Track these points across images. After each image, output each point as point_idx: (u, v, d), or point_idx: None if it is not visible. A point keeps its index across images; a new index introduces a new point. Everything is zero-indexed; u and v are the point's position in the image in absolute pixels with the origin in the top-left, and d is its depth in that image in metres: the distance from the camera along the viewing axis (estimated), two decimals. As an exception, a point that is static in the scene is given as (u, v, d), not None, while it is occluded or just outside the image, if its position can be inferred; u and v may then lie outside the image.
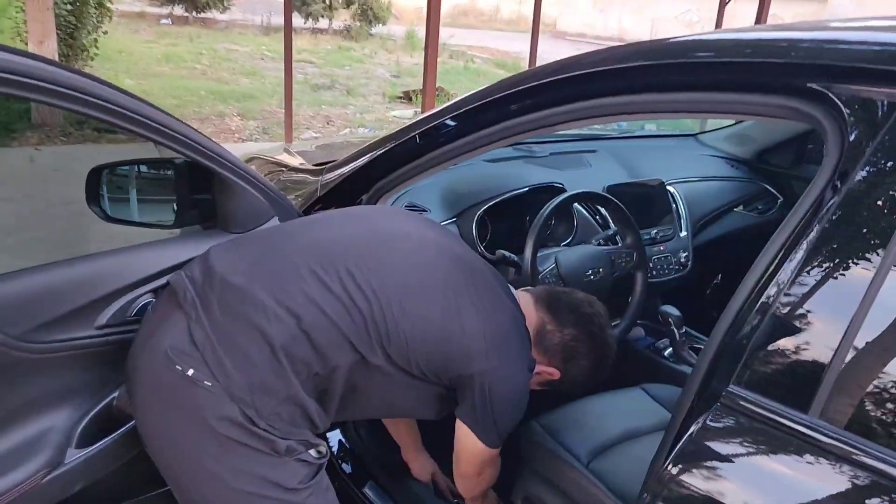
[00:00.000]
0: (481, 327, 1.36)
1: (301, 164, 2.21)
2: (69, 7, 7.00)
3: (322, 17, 16.27)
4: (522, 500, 1.72)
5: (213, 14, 15.84)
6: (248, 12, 17.00)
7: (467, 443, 1.44)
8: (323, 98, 9.77)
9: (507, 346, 1.39)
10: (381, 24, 16.83)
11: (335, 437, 1.94)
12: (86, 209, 1.57)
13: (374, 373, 1.32)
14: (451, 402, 1.43)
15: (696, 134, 3.01)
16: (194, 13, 15.51)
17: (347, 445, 1.94)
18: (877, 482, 0.79)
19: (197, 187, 1.58)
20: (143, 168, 1.81)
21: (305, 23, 15.94)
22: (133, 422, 1.34)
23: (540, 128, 1.47)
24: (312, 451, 1.29)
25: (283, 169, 2.16)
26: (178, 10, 15.59)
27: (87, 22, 7.39)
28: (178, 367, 1.21)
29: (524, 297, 1.53)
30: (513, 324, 1.43)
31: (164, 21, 15.22)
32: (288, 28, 6.31)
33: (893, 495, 0.78)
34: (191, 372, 1.20)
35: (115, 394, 1.39)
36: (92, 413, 1.36)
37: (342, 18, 16.87)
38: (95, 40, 7.74)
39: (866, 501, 0.80)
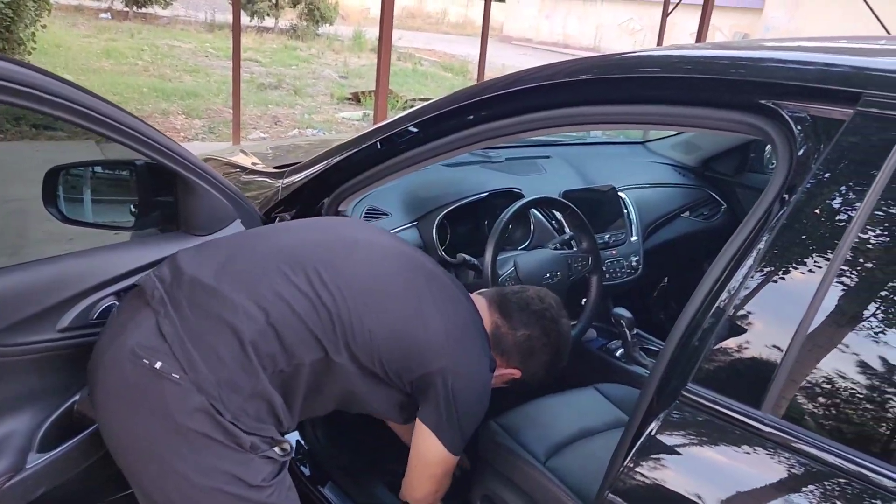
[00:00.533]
0: (442, 326, 1.40)
1: (254, 163, 2.20)
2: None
3: (268, 15, 16.07)
4: (482, 498, 1.76)
5: (154, 10, 15.48)
6: (191, 9, 16.67)
7: (428, 450, 1.44)
8: (270, 98, 9.66)
9: (467, 344, 1.44)
10: (327, 24, 16.70)
11: (293, 437, 1.94)
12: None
13: (337, 373, 1.35)
14: (414, 409, 1.46)
15: (645, 142, 3.11)
16: (135, 8, 15.12)
17: (306, 447, 1.95)
18: (823, 472, 0.85)
19: (158, 189, 1.57)
20: (100, 169, 1.79)
21: (251, 21, 15.71)
22: (95, 425, 1.33)
23: (499, 136, 1.52)
24: (277, 449, 1.30)
25: (239, 170, 2.15)
26: (118, 5, 15.19)
27: (25, 15, 7.13)
28: (145, 360, 1.22)
29: (479, 301, 1.57)
30: (472, 324, 1.48)
31: (103, 16, 14.80)
32: (236, 25, 6.23)
33: (839, 483, 0.84)
34: (158, 364, 1.21)
35: (77, 397, 1.38)
36: (53, 417, 1.34)
37: (288, 17, 16.69)
38: (33, 34, 7.48)
39: (815, 490, 0.86)
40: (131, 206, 1.66)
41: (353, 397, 1.43)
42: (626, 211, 2.49)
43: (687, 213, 2.78)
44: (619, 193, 2.50)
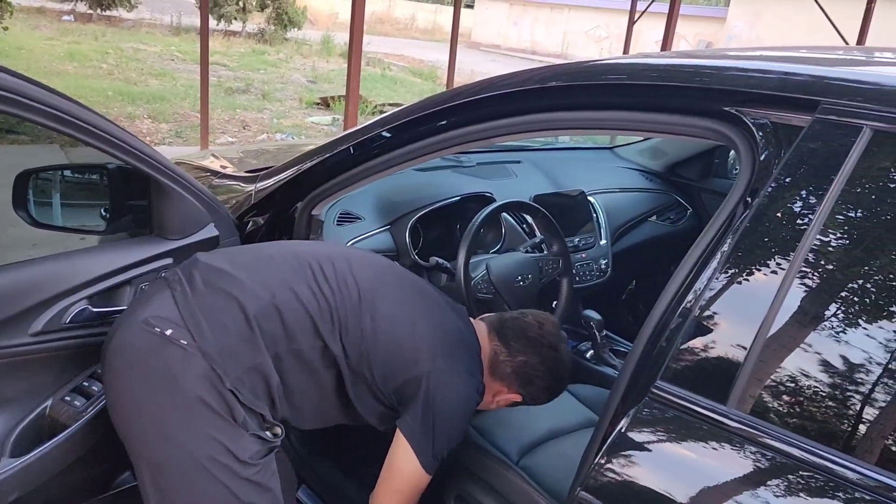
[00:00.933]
0: (432, 334, 1.45)
1: (223, 166, 2.20)
2: (-34, 0, 6.63)
3: (235, 19, 15.96)
4: (455, 498, 1.77)
5: (118, 12, 15.31)
6: (157, 11, 16.51)
7: (401, 463, 1.44)
8: (238, 102, 9.59)
9: (455, 357, 1.46)
10: (296, 29, 16.65)
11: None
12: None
13: (331, 370, 1.40)
14: (395, 419, 1.47)
15: (613, 147, 3.16)
16: (99, 10, 14.93)
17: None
18: (785, 463, 0.89)
19: (131, 193, 1.56)
20: (70, 173, 1.78)
21: (218, 25, 15.59)
22: (69, 430, 1.32)
23: (471, 142, 1.55)
24: (268, 432, 1.34)
25: (211, 174, 2.14)
26: (82, 7, 14.97)
27: (-14, 16, 7.01)
28: (156, 328, 1.28)
29: (479, 327, 1.59)
30: (464, 344, 1.50)
31: (66, 18, 14.58)
32: (204, 29, 6.18)
33: (800, 474, 0.88)
34: (169, 332, 1.28)
35: (49, 402, 1.37)
36: (26, 421, 1.33)
37: (256, 21, 16.60)
38: (-6, 36, 7.36)
39: (780, 482, 0.89)
40: (102, 210, 1.65)
41: (347, 403, 1.46)
42: (594, 215, 2.53)
43: (654, 217, 2.83)
44: (588, 198, 2.55)
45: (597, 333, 2.09)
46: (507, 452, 1.67)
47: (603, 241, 2.50)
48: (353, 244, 1.94)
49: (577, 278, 2.33)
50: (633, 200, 2.80)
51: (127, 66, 10.76)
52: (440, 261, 1.91)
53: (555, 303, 2.11)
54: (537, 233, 2.17)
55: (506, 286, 1.94)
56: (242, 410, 1.29)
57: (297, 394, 1.41)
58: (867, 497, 0.83)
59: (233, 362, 1.29)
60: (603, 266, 2.46)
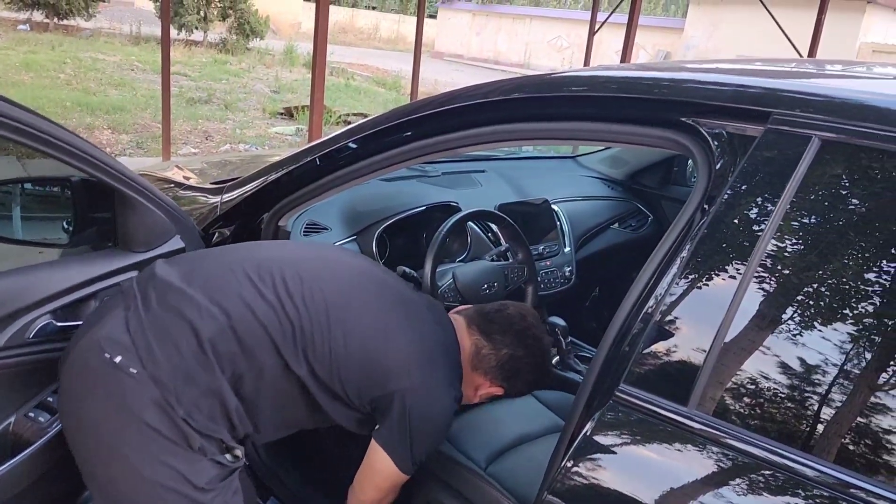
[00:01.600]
0: (406, 349, 1.41)
1: (186, 178, 2.19)
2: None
3: (196, 28, 15.80)
4: (424, 506, 1.78)
5: (76, 21, 15.04)
6: (116, 20, 16.27)
7: (379, 464, 1.44)
8: (200, 112, 9.49)
9: (431, 369, 1.43)
10: (258, 38, 16.53)
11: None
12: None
13: (297, 385, 1.37)
14: (372, 424, 1.46)
15: (575, 156, 3.21)
16: (56, 19, 14.65)
17: (247, 463, 1.94)
18: (746, 462, 0.92)
19: (94, 205, 1.55)
20: (31, 186, 1.76)
21: (179, 34, 15.41)
22: (33, 446, 1.30)
23: (436, 152, 1.57)
24: (228, 455, 1.32)
25: (174, 186, 2.13)
26: (38, 16, 14.67)
27: (-63, 25, 6.84)
28: (106, 354, 1.25)
29: (458, 321, 1.57)
30: (441, 351, 1.47)
31: (21, 27, 14.28)
32: (166, 37, 6.12)
33: (761, 473, 0.91)
34: (118, 359, 1.24)
35: (12, 418, 1.35)
36: None
37: (217, 31, 16.45)
38: (-54, 45, 7.18)
39: (739, 479, 0.93)
40: (64, 223, 1.64)
41: (318, 410, 1.42)
42: (558, 223, 2.57)
43: (616, 225, 2.88)
44: (552, 206, 2.58)
45: (562, 340, 2.11)
46: (475, 459, 1.68)
47: (567, 249, 2.54)
48: None
49: (542, 285, 2.36)
50: (595, 208, 2.85)
51: (85, 76, 10.57)
52: (407, 270, 1.92)
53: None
54: (503, 241, 2.20)
55: (472, 294, 1.96)
56: (199, 437, 1.26)
57: (260, 409, 1.37)
58: (826, 494, 0.86)
59: (187, 388, 1.26)
60: (567, 273, 2.50)
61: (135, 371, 1.24)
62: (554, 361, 2.31)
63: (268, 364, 1.33)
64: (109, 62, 12.03)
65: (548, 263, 2.43)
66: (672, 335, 1.04)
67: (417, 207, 2.16)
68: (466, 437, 1.76)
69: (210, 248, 1.62)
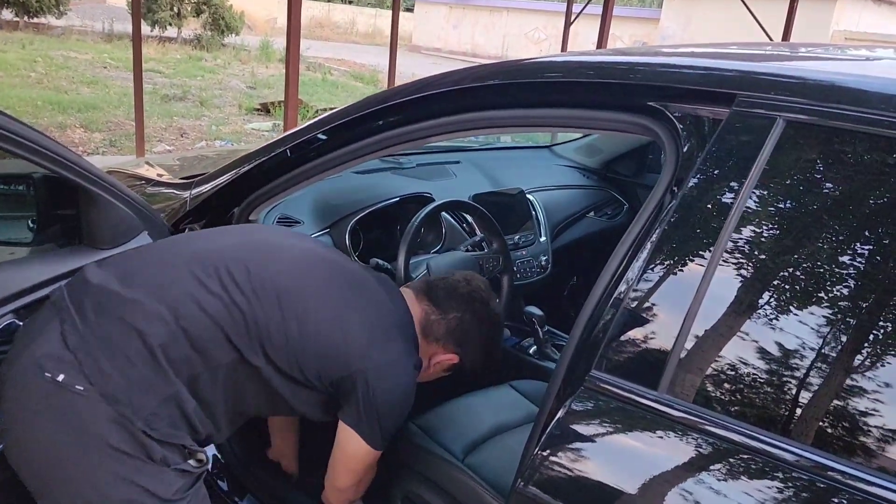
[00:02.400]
0: (363, 329, 1.39)
1: (159, 174, 2.16)
2: None
3: (170, 25, 15.62)
4: (402, 499, 1.77)
5: (47, 19, 14.81)
6: (87, 18, 16.06)
7: (349, 446, 1.44)
8: (174, 109, 9.38)
9: (390, 346, 1.42)
10: (233, 35, 16.38)
11: (209, 452, 1.91)
12: None
13: (256, 376, 1.34)
14: (336, 406, 1.45)
15: (550, 146, 3.21)
16: (26, 17, 14.42)
17: (222, 460, 1.92)
18: (715, 445, 0.92)
19: (59, 202, 1.52)
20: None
21: (152, 31, 15.24)
22: None
23: (407, 142, 1.55)
24: (192, 461, 1.29)
25: (145, 182, 2.10)
26: (7, 15, 14.44)
27: None
28: (47, 374, 1.18)
29: (408, 294, 1.56)
30: (396, 325, 1.46)
31: (-10, 25, 14.05)
32: (137, 34, 6.04)
33: (731, 458, 0.91)
34: (61, 378, 1.18)
35: None
36: None
37: (192, 27, 16.28)
38: (-87, 45, 7.04)
39: (707, 463, 0.93)
40: (29, 221, 1.60)
41: (278, 399, 1.40)
42: (534, 212, 2.57)
43: (592, 214, 2.89)
44: (528, 196, 2.58)
45: (539, 329, 2.12)
46: (452, 451, 1.67)
47: (543, 238, 2.54)
48: None
49: (518, 275, 2.36)
50: (571, 197, 2.85)
51: (57, 75, 10.42)
52: (380, 262, 1.91)
53: (497, 300, 2.13)
54: (477, 231, 2.19)
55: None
56: (160, 448, 1.22)
57: (217, 406, 1.33)
58: (804, 477, 0.85)
59: (143, 398, 1.21)
60: (543, 262, 2.50)
61: (81, 388, 1.17)
62: (531, 351, 2.32)
63: (224, 360, 1.30)
64: (81, 60, 11.87)
65: (524, 253, 2.43)
66: (642, 320, 1.04)
67: (391, 199, 2.15)
68: (443, 429, 1.75)
69: (145, 245, 1.53)
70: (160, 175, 2.16)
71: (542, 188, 2.73)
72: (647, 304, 1.04)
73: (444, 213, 2.22)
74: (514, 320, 2.35)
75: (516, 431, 1.75)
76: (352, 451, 1.45)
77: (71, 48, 12.80)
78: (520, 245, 2.44)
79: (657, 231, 1.06)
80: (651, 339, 1.03)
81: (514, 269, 2.28)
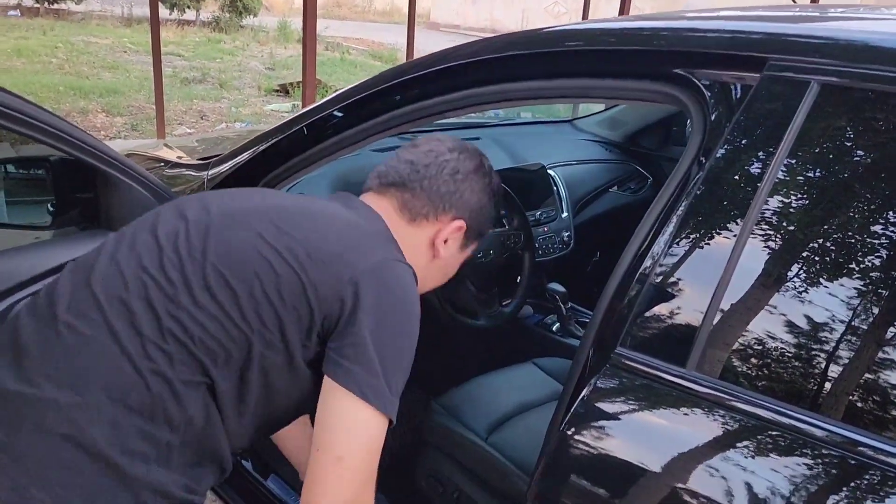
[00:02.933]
0: (336, 264, 1.07)
1: (178, 157, 2.15)
2: None
3: (188, 7, 15.61)
4: (426, 479, 1.77)
5: (67, 5, 14.87)
6: (107, 3, 16.09)
7: (349, 418, 1.02)
8: (194, 92, 9.40)
9: (371, 257, 1.10)
10: (251, 16, 16.33)
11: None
12: None
13: (227, 395, 1.07)
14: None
15: (572, 120, 3.16)
16: (46, 4, 14.49)
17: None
18: (743, 421, 0.89)
19: (77, 186, 1.51)
20: (13, 168, 1.73)
21: (171, 14, 15.24)
22: None
23: (424, 117, 1.52)
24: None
25: (163, 164, 2.09)
26: (28, 2, 14.54)
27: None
28: None
29: (368, 198, 1.28)
30: (368, 235, 1.16)
31: (11, 13, 14.14)
32: (155, 18, 6.03)
33: (760, 435, 0.88)
34: None
35: None
36: None
37: (210, 9, 16.26)
38: (-65, 34, 7.11)
39: (735, 440, 0.90)
40: (49, 205, 1.61)
41: (276, 398, 1.11)
42: (555, 188, 2.53)
43: (615, 188, 2.84)
44: (549, 171, 2.54)
45: (562, 306, 2.09)
46: (476, 430, 1.67)
47: (564, 214, 2.50)
48: None
49: (540, 252, 2.32)
50: (593, 172, 2.80)
51: (78, 60, 10.48)
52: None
53: (519, 277, 2.10)
54: (498, 208, 2.15)
55: (467, 262, 1.92)
56: None
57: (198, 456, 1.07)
58: (834, 453, 0.82)
59: None
60: (565, 238, 2.46)
61: None
62: (554, 328, 2.30)
63: (195, 410, 1.03)
64: (102, 45, 11.92)
65: (545, 229, 2.39)
66: (668, 295, 1.01)
67: (409, 176, 2.11)
68: (467, 408, 1.74)
69: (24, 307, 1.11)
70: (179, 157, 2.15)
71: (564, 163, 2.69)
72: (673, 279, 1.01)
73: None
74: (538, 297, 2.33)
75: (540, 409, 1.74)
76: (350, 420, 1.03)
77: (91, 33, 12.86)
78: (541, 221, 2.40)
79: (684, 203, 1.02)
80: (678, 314, 0.99)
81: (536, 245, 2.25)
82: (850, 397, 0.85)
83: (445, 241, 1.29)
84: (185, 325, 1.01)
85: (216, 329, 1.03)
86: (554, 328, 2.29)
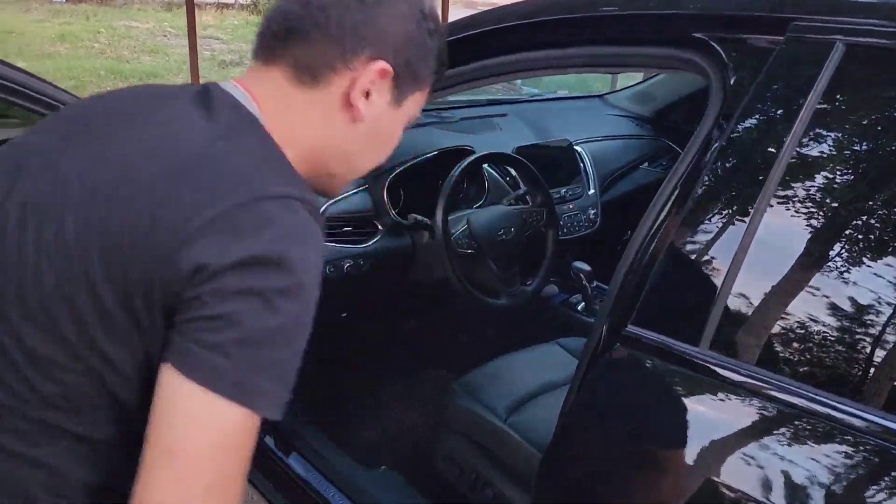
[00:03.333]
0: (189, 208, 0.72)
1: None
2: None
3: (227, -10, 15.72)
4: (444, 459, 1.75)
5: (109, -10, 15.09)
6: (148, -12, 16.29)
7: (187, 416, 0.71)
8: (232, 75, 9.43)
9: (211, 183, 0.74)
10: (289, -3, 16.39)
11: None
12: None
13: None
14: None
15: (602, 95, 3.08)
16: (89, -11, 14.72)
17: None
18: (759, 403, 0.84)
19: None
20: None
21: (210, -3, 15.37)
22: None
23: (439, 89, 1.48)
24: None
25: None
26: (72, -13, 14.78)
27: (-29, 1, 6.92)
28: None
29: (251, 78, 0.93)
30: (208, 149, 0.78)
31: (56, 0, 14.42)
32: (191, 2, 6.07)
33: (773, 415, 0.83)
34: None
35: None
36: None
37: (248, -8, 16.36)
38: (-19, 21, 7.28)
39: (750, 421, 0.85)
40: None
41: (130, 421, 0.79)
42: (581, 164, 2.47)
43: (646, 164, 2.76)
44: (576, 147, 2.48)
45: (587, 285, 2.04)
46: (495, 410, 1.64)
47: (591, 191, 2.44)
48: (329, 206, 1.87)
49: (565, 229, 2.28)
50: (622, 148, 2.73)
51: (119, 44, 10.65)
52: (419, 217, 1.86)
53: (542, 256, 2.06)
54: (521, 185, 2.11)
55: (487, 240, 1.89)
56: None
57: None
58: (847, 436, 0.78)
59: None
60: (592, 216, 2.40)
61: None
62: (580, 307, 2.25)
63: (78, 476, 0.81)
64: (142, 29, 12.08)
65: (570, 207, 2.34)
66: (683, 271, 0.96)
67: (429, 153, 2.08)
68: (487, 388, 1.72)
69: None
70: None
71: (592, 139, 2.62)
72: (688, 252, 0.96)
73: (486, 166, 2.14)
74: (562, 276, 2.29)
75: (562, 390, 1.69)
76: (194, 421, 0.71)
77: (132, 17, 13.03)
78: (566, 198, 2.35)
79: (701, 175, 0.97)
80: (692, 291, 0.95)
81: (560, 223, 2.20)
82: (870, 380, 0.80)
83: (368, 95, 0.87)
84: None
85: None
86: (579, 307, 2.25)
